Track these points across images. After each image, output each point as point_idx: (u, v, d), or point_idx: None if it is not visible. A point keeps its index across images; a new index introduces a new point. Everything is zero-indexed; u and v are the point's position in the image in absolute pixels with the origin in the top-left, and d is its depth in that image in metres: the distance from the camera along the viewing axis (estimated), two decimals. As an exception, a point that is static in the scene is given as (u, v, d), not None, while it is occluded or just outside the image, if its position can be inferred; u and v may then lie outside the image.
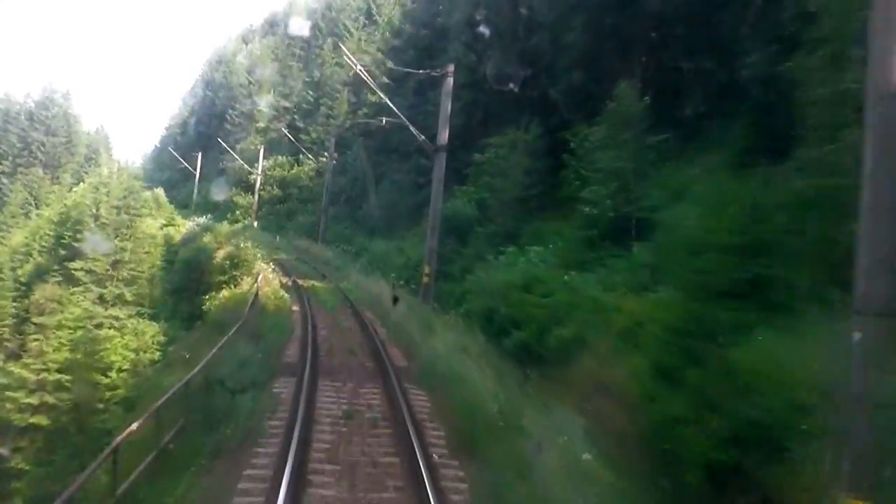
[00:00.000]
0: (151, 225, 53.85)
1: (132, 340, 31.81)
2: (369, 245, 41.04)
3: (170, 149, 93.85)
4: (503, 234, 24.40)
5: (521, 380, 13.89)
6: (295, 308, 21.91)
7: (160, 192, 64.86)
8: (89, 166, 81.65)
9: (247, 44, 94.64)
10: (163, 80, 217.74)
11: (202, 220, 53.89)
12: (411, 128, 22.85)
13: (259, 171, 64.23)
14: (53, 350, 30.62)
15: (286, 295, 23.32)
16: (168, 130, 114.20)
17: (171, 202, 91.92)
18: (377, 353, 15.47)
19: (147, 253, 45.31)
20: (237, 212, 67.62)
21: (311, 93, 70.02)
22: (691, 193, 18.57)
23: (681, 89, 22.91)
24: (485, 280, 19.57)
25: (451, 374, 12.65)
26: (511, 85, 30.82)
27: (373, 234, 45.38)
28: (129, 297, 35.68)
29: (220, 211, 72.18)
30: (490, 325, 17.37)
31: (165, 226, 57.47)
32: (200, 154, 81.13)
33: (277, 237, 55.92)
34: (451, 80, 22.93)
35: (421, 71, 25.07)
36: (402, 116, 23.37)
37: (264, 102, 77.87)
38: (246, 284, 24.24)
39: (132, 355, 29.92)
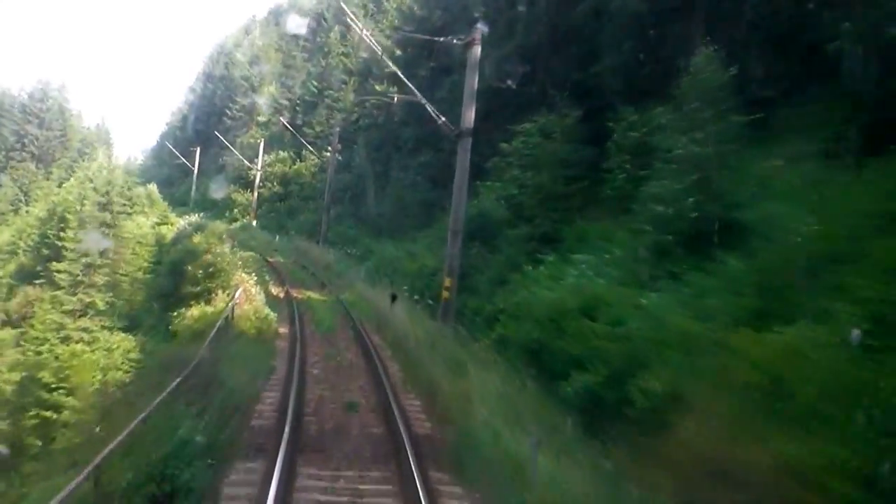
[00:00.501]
0: (143, 224, 49.84)
1: (103, 356, 27.54)
2: (375, 248, 36.71)
3: (167, 144, 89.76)
4: (539, 237, 20.00)
5: (600, 452, 9.54)
6: (282, 331, 17.64)
7: (153, 188, 60.68)
8: (83, 161, 77.61)
9: (249, 34, 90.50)
10: (166, 75, 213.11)
11: (195, 218, 49.54)
12: (429, 107, 18.47)
13: (259, 167, 59.95)
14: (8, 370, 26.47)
15: (272, 315, 18.83)
16: (169, 126, 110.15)
17: (168, 199, 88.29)
18: (388, 409, 11.07)
19: (133, 254, 41.29)
20: (235, 210, 63.38)
21: (314, 84, 65.74)
22: (779, 188, 14.46)
23: (750, 62, 18.58)
24: (528, 299, 15.12)
25: (505, 457, 8.23)
26: (538, 63, 26.48)
27: (379, 236, 41.06)
28: (100, 304, 31.35)
29: (219, 209, 68.02)
30: (538, 361, 12.96)
31: (158, 224, 53.38)
32: (199, 149, 76.96)
33: (277, 237, 51.62)
34: (478, 50, 18.55)
35: (442, 39, 20.54)
36: (416, 93, 18.96)
37: (266, 95, 73.69)
38: (222, 301, 19.72)
39: (100, 376, 25.61)
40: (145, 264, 41.15)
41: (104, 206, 40.15)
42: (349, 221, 44.79)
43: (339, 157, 54.71)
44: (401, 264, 27.89)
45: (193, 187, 77.05)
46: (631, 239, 16.17)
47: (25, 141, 77.54)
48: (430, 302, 20.00)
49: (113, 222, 40.04)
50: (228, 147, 63.27)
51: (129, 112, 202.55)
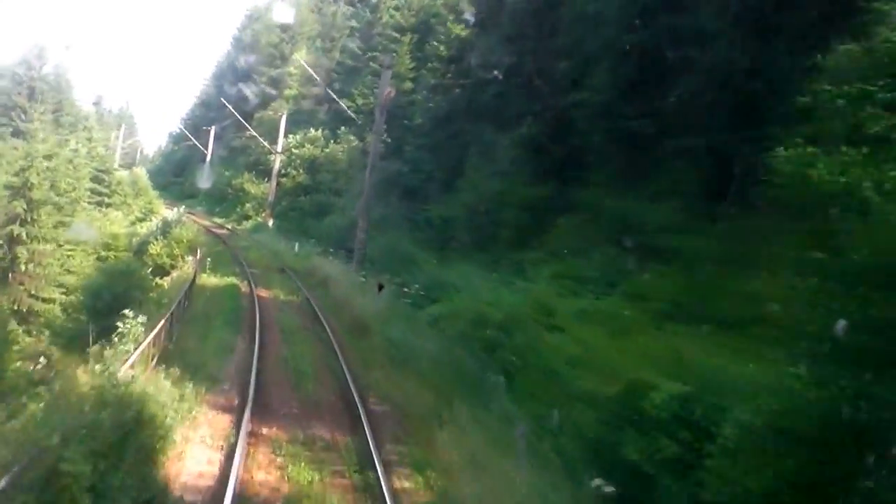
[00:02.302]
0: (115, 220, 35.32)
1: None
2: (450, 278, 21.17)
3: (180, 126, 75.95)
4: None
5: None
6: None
7: (140, 172, 46.49)
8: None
9: (284, -4, 75.85)
10: (196, 57, 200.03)
11: (176, 213, 34.66)
12: None
13: (279, 149, 45.04)
14: None
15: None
16: (193, 108, 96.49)
17: (178, 189, 74.41)
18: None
19: (64, 270, 26.70)
20: (247, 204, 48.73)
21: (359, 45, 50.86)
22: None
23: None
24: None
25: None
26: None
27: (449, 254, 25.85)
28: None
29: (230, 202, 53.46)
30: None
31: (139, 220, 38.84)
32: (213, 129, 62.73)
33: (297, 245, 36.64)
34: None
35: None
36: None
37: (298, 62, 58.96)
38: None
39: None
40: (90, 272, 26.70)
41: (17, 191, 25.42)
42: (401, 231, 29.29)
43: (387, 139, 39.78)
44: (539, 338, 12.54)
45: (205, 175, 62.80)
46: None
47: (13, 114, 64.09)
48: None
49: (30, 219, 25.30)
50: (241, 121, 48.27)
51: (158, 98, 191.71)
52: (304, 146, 47.06)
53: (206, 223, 48.68)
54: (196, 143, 63.89)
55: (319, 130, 47.61)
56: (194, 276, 20.75)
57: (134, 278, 20.62)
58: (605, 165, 20.39)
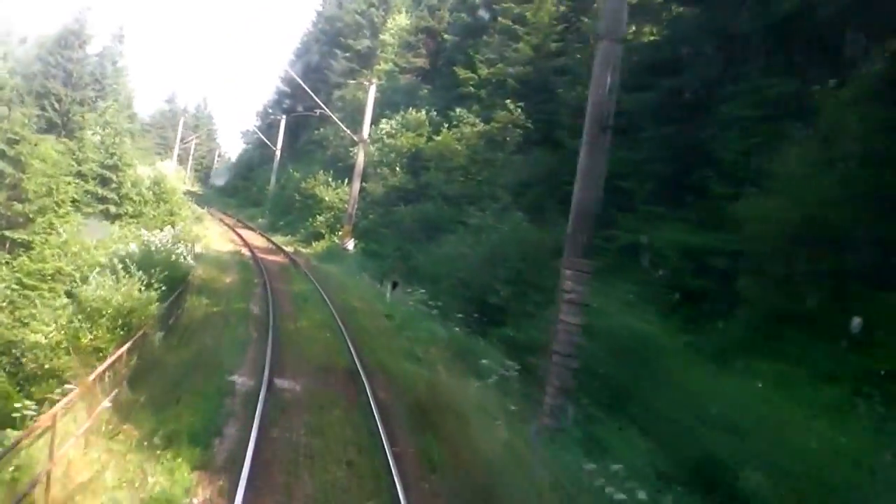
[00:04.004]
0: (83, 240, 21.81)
1: None
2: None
3: (255, 128, 63.27)
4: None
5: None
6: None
7: (162, 169, 33.15)
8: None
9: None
10: (276, 46, 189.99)
11: (169, 232, 20.38)
12: None
13: (365, 134, 30.54)
14: None
15: None
16: (268, 103, 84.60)
17: (244, 194, 61.80)
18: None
19: None
20: (318, 217, 34.48)
21: (481, -5, 36.07)
22: None
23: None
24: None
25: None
26: None
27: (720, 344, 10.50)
28: None
29: (298, 213, 39.49)
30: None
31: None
32: (284, 119, 49.46)
33: (389, 288, 21.84)
34: None
35: None
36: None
37: (393, 31, 44.91)
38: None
39: None
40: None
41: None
42: (609, 277, 13.73)
43: (528, 124, 26.19)
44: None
45: (273, 177, 49.46)
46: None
47: (45, 103, 52.76)
48: None
49: None
50: (317, 102, 33.98)
51: (238, 96, 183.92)
52: (401, 134, 32.52)
53: (260, 242, 34.93)
54: (264, 138, 50.80)
55: (423, 112, 32.96)
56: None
57: None
58: None
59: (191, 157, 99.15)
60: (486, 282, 18.05)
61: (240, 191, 61.77)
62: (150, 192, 28.71)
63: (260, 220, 45.03)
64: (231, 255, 29.09)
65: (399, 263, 26.59)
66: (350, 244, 29.25)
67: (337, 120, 32.09)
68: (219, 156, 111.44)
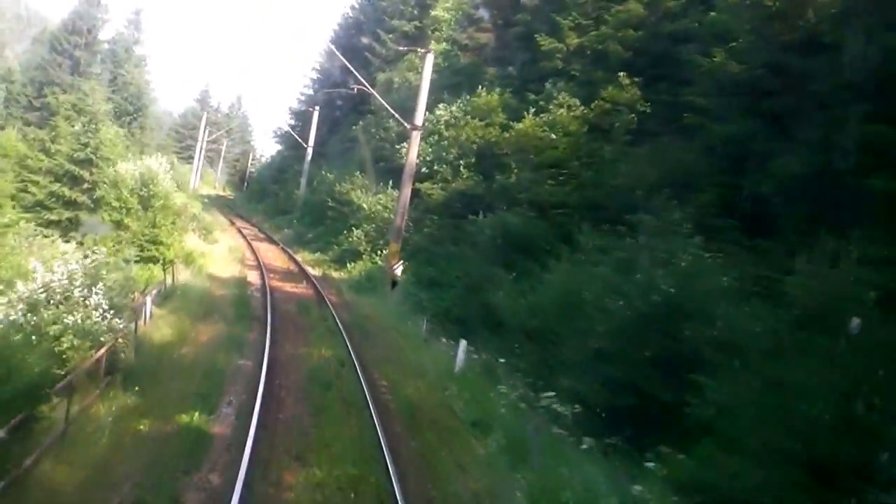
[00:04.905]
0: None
1: None
2: None
3: (288, 125, 56.02)
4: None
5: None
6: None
7: (158, 167, 25.63)
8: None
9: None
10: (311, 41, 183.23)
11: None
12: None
13: (418, 120, 22.63)
14: None
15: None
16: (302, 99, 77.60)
17: (272, 201, 54.75)
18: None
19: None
20: (355, 231, 26.75)
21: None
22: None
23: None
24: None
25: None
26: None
27: None
28: None
29: (332, 223, 31.87)
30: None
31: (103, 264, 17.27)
32: (316, 109, 42.15)
33: (461, 354, 13.94)
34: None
35: None
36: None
37: (449, 2, 37.28)
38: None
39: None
40: None
41: None
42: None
43: (646, 107, 18.23)
44: None
45: (303, 179, 42.04)
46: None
47: (47, 91, 46.07)
48: None
49: None
50: (365, 87, 26.10)
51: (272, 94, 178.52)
52: (465, 122, 24.69)
53: (279, 261, 27.55)
54: (294, 134, 43.59)
55: (495, 93, 25.10)
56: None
57: None
58: None
59: (221, 159, 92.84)
60: (649, 359, 10.09)
61: (269, 196, 54.71)
62: (136, 197, 21.38)
63: (286, 230, 37.65)
64: (231, 284, 21.62)
65: (467, 298, 18.75)
66: (399, 269, 21.44)
67: (382, 101, 24.31)
68: (253, 158, 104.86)
